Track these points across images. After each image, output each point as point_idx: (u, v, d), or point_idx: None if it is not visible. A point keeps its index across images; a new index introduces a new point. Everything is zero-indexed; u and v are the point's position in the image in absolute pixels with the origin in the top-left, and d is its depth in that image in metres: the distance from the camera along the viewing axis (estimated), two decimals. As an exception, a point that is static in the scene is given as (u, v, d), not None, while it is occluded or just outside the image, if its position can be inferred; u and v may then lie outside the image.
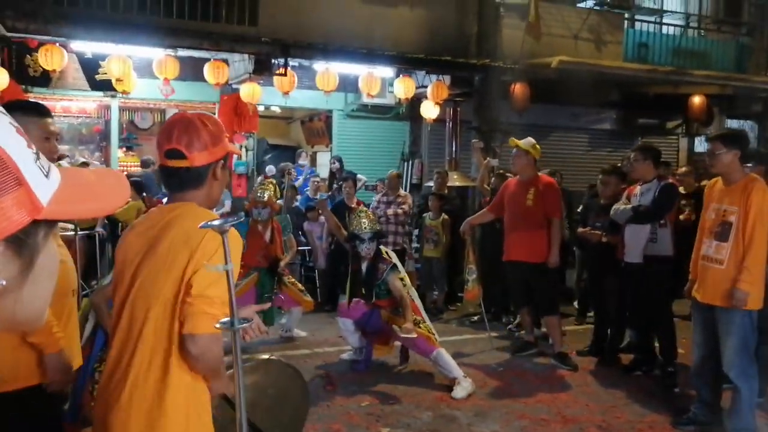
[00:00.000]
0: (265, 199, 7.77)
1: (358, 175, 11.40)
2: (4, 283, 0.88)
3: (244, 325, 1.89)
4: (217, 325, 1.88)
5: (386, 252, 7.15)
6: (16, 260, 0.89)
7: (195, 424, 2.39)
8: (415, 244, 10.92)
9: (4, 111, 0.90)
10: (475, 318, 9.41)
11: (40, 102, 3.59)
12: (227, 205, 11.19)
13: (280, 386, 3.20)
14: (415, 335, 6.56)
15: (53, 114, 3.45)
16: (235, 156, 12.36)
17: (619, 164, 8.83)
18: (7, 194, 0.84)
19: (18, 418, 2.90)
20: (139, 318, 2.37)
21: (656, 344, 7.15)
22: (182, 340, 2.29)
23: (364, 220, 6.96)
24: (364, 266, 6.95)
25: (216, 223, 1.85)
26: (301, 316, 8.42)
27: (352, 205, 9.85)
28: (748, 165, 5.53)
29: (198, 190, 2.52)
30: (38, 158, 0.90)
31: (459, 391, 6.48)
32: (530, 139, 7.61)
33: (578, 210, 9.14)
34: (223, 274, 2.14)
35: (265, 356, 3.25)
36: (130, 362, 2.36)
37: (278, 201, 8.55)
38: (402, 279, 6.97)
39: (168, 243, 2.37)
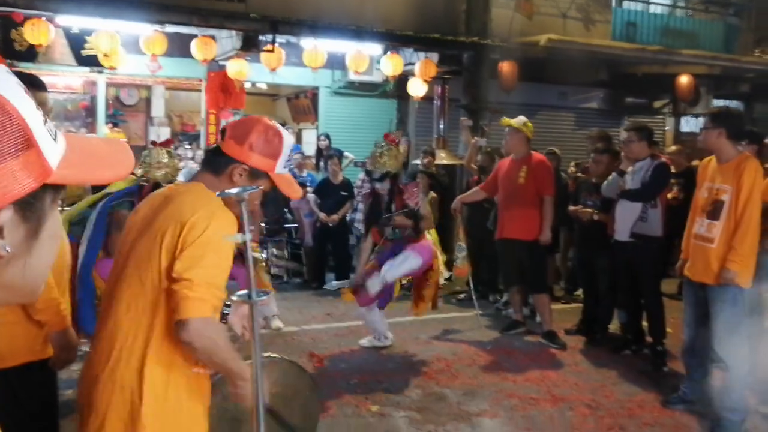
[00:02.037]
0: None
1: (346, 153, 11.34)
2: (9, 249, 0.85)
3: (263, 297, 1.85)
4: (235, 297, 1.84)
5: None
6: (22, 225, 0.86)
7: (173, 407, 2.31)
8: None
9: (9, 71, 0.87)
10: (462, 296, 9.41)
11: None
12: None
13: (284, 385, 3.10)
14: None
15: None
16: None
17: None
18: (19, 156, 0.81)
19: (13, 394, 2.87)
20: (128, 290, 2.33)
21: (645, 323, 7.17)
22: (176, 329, 2.23)
23: (380, 158, 6.67)
24: (384, 202, 6.79)
25: (234, 191, 1.82)
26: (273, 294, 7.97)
27: (337, 183, 9.83)
28: (741, 144, 5.50)
29: (214, 176, 2.48)
30: (46, 121, 0.87)
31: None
32: (522, 118, 7.59)
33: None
34: (205, 255, 2.12)
35: (265, 354, 3.15)
36: (115, 336, 2.32)
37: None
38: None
39: (161, 217, 2.35)
